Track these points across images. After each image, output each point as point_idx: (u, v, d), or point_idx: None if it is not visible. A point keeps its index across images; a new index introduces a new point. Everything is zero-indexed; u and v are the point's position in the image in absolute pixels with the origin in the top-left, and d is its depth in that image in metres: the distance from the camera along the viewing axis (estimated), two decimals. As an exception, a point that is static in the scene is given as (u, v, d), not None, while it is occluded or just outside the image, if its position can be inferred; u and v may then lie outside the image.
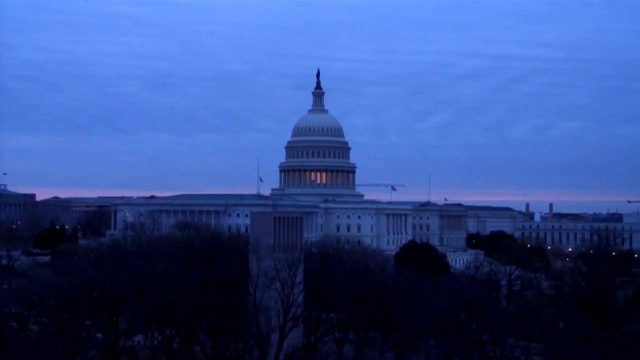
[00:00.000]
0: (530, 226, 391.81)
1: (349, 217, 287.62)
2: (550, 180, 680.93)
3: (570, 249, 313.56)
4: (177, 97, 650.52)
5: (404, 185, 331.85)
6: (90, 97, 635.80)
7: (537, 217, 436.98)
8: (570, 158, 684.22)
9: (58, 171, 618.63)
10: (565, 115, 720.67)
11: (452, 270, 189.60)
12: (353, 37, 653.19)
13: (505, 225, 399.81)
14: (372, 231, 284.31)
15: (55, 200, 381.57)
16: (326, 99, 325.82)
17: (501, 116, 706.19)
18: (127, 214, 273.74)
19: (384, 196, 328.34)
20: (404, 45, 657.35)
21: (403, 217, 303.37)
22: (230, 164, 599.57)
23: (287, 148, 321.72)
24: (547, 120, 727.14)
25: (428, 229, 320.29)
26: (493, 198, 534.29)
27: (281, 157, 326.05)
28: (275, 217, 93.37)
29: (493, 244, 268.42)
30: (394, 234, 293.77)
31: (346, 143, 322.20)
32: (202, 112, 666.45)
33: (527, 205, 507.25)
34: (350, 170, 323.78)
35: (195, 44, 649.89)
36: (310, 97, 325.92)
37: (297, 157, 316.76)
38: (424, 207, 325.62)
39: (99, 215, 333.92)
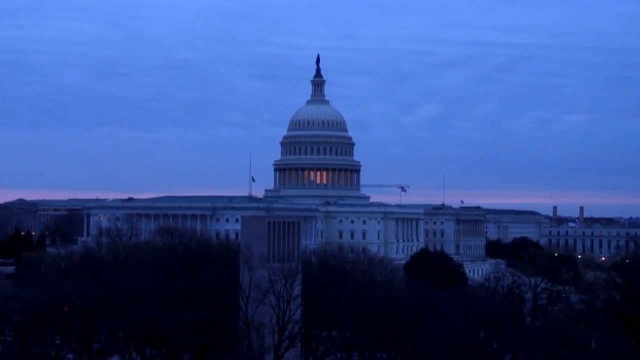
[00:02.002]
0: (558, 232, 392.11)
1: (353, 221, 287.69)
2: (580, 180, 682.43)
3: (603, 258, 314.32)
4: (128, 88, 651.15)
5: (408, 186, 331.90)
6: (33, 87, 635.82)
7: (566, 223, 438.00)
8: (596, 156, 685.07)
9: (22, 170, 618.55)
10: (566, 107, 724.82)
11: (469, 282, 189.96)
12: (310, 22, 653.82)
13: (529, 232, 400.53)
14: (379, 238, 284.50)
15: (20, 202, 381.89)
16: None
17: (495, 108, 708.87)
18: (101, 218, 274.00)
19: (391, 198, 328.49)
20: (368, 31, 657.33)
21: (414, 222, 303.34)
22: (218, 163, 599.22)
23: (282, 144, 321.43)
24: (548, 112, 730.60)
25: (442, 236, 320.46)
26: (515, 200, 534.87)
27: (275, 154, 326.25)
28: (269, 222, 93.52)
29: (516, 253, 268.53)
30: (403, 241, 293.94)
31: (350, 138, 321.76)
32: (159, 104, 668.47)
33: (555, 208, 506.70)
34: (355, 169, 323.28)
35: (137, 29, 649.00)
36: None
37: (295, 154, 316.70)
38: (438, 210, 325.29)
39: (69, 219, 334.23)
